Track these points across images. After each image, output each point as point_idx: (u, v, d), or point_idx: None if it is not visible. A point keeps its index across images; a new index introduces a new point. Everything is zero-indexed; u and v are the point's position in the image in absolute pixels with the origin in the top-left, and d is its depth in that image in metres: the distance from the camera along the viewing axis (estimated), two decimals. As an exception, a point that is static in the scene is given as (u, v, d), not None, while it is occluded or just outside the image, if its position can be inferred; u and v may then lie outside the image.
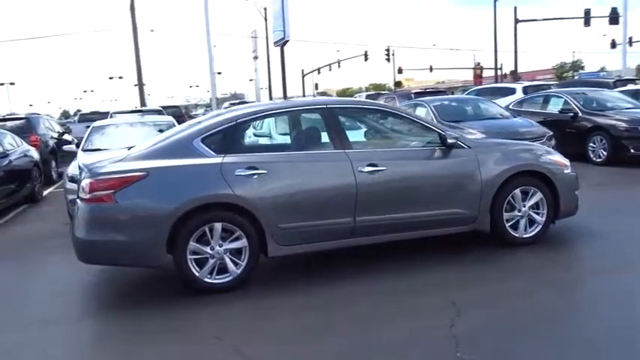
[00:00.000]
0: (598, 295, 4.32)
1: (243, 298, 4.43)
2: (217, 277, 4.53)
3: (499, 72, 63.49)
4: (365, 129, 5.46)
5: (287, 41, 26.88)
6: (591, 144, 10.59)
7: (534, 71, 64.70)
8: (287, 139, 5.17)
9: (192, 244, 4.44)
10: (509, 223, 5.30)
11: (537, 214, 5.38)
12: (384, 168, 4.83)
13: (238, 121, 4.76)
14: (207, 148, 4.61)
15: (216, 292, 4.50)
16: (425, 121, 5.30)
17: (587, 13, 33.80)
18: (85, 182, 4.41)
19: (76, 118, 24.95)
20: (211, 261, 4.50)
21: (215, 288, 4.52)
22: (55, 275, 5.54)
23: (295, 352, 3.52)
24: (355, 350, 3.50)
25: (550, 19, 34.69)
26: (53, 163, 12.93)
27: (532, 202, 5.34)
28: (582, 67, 68.62)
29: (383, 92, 34.83)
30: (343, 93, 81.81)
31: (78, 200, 4.54)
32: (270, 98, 37.36)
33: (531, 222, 5.37)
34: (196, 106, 74.06)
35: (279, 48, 28.24)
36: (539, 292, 4.33)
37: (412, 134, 5.28)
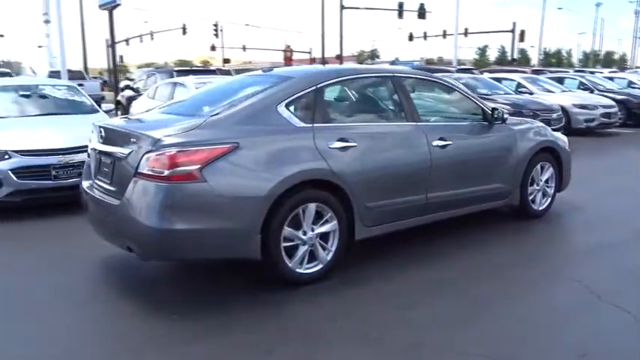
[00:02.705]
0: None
1: (332, 288, 3.88)
2: (307, 265, 3.90)
3: (308, 55, 65.97)
4: (424, 101, 5.15)
5: (118, 5, 24.21)
6: (479, 125, 11.57)
7: (338, 56, 68.61)
8: (365, 109, 4.62)
9: (287, 230, 3.74)
10: (530, 197, 5.53)
11: (548, 187, 5.71)
12: (451, 142, 4.64)
13: (318, 85, 4.09)
14: (293, 116, 3.90)
15: (303, 284, 3.87)
16: (474, 96, 5.21)
17: (401, 6, 36.95)
18: (161, 155, 3.38)
19: None
20: (302, 248, 3.85)
21: (305, 278, 3.88)
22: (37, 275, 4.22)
23: (452, 341, 3.18)
24: (521, 324, 3.28)
25: (371, 8, 36.93)
26: None
27: (546, 176, 5.64)
28: (378, 56, 74.95)
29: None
30: (148, 67, 76.92)
31: (137, 178, 3.47)
32: (85, 69, 33.55)
33: (542, 195, 5.68)
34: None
35: (105, 12, 25.34)
36: (606, 250, 4.66)
37: (466, 108, 5.15)
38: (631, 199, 6.68)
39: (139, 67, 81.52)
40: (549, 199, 5.73)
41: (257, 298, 3.71)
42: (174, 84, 9.48)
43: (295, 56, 63.58)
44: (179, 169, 3.37)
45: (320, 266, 3.94)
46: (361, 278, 4.04)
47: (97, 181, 4.08)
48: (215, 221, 3.48)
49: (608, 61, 78.89)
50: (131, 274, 4.24)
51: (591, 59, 67.74)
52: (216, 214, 3.48)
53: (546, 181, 5.67)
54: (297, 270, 3.84)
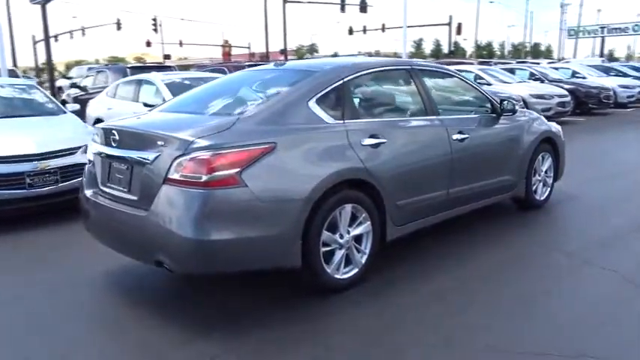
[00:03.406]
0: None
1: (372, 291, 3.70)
2: (344, 270, 3.70)
3: (247, 50, 64.99)
4: (438, 94, 4.99)
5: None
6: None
7: (277, 51, 68.15)
8: (389, 103, 4.40)
9: (326, 234, 3.51)
10: (533, 188, 5.54)
11: (548, 177, 5.75)
12: (468, 136, 4.55)
13: (345, 79, 3.87)
14: (324, 112, 3.66)
15: (339, 291, 3.66)
16: (483, 88, 5.12)
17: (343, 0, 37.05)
18: (196, 158, 3.07)
19: None
20: (339, 252, 3.64)
21: (343, 284, 3.67)
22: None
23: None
24: (578, 320, 3.22)
25: (314, 2, 36.74)
26: None
27: (546, 166, 5.67)
28: (317, 51, 75.02)
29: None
30: (78, 65, 73.39)
31: (168, 185, 3.15)
32: (15, 65, 31.45)
33: (542, 185, 5.71)
34: None
35: (38, 7, 23.97)
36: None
37: (476, 100, 5.06)
38: (619, 185, 6.86)
39: (68, 65, 77.50)
40: (549, 189, 5.77)
41: (299, 308, 3.47)
42: (139, 81, 8.88)
43: (234, 51, 62.54)
44: (218, 173, 3.07)
45: (356, 270, 3.75)
46: (399, 278, 3.88)
47: (106, 189, 3.69)
48: (256, 229, 3.20)
49: (536, 52, 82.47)
50: (139, 287, 3.89)
51: (521, 51, 70.50)
52: (257, 220, 3.20)
53: (546, 171, 5.71)
54: (336, 276, 3.63)
